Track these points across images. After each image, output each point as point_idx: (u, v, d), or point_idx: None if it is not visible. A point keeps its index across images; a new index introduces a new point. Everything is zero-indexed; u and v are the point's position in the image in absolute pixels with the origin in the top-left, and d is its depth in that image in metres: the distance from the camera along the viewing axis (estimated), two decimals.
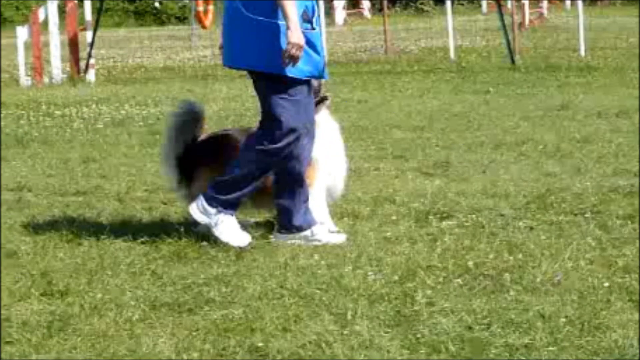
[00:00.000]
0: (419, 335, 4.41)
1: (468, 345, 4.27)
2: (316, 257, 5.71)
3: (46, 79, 17.98)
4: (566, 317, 4.55)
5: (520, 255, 5.57)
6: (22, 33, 18.05)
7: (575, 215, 6.55)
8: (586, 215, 6.50)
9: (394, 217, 6.63)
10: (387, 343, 4.35)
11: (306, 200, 6.15)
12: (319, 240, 6.07)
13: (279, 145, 5.95)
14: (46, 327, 4.70)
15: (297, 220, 6.10)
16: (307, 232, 6.10)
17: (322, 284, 5.19)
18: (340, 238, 6.12)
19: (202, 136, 6.50)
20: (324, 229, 6.17)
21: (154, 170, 8.53)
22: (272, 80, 5.93)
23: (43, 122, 12.50)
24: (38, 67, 17.85)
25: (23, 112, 13.50)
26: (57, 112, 13.33)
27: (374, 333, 4.47)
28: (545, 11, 32.74)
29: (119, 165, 9.16)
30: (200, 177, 6.29)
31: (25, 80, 17.73)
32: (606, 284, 5.01)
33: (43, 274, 5.53)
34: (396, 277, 5.25)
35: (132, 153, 9.89)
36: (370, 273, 5.33)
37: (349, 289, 5.08)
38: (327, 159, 6.31)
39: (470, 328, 4.48)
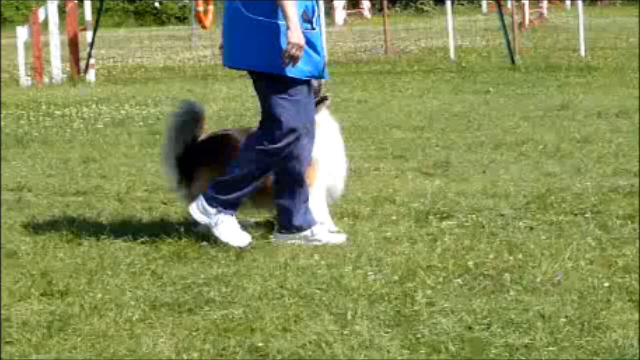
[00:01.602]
0: (419, 335, 4.41)
1: (468, 345, 4.27)
2: (316, 257, 5.71)
3: (46, 79, 17.98)
4: (566, 317, 4.56)
5: (520, 255, 5.57)
6: (22, 33, 18.05)
7: (575, 215, 6.55)
8: (586, 215, 6.50)
9: (394, 217, 6.63)
10: (387, 343, 4.35)
11: (306, 200, 6.15)
12: (319, 240, 6.07)
13: (279, 145, 5.95)
14: (46, 327, 4.70)
15: (297, 220, 6.10)
16: (307, 232, 6.10)
17: (322, 284, 5.19)
18: (340, 238, 6.12)
19: (202, 136, 6.50)
20: (324, 229, 6.17)
21: (154, 170, 8.53)
22: (272, 80, 5.93)
23: (43, 122, 12.50)
24: (38, 67, 17.84)
25: (23, 112, 13.50)
26: (57, 112, 13.33)
27: (374, 333, 4.47)
28: (545, 11, 32.74)
29: (119, 165, 9.16)
30: (200, 177, 6.29)
31: (25, 80, 17.73)
32: (606, 284, 5.01)
33: (43, 274, 5.53)
34: (396, 277, 5.25)
35: (132, 153, 9.89)
36: (370, 273, 5.33)
37: (349, 289, 5.08)
38: (327, 159, 6.30)
39: (470, 328, 4.48)
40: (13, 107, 14.04)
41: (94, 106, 13.92)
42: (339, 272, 5.37)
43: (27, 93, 16.10)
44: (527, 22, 27.68)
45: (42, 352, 4.43)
